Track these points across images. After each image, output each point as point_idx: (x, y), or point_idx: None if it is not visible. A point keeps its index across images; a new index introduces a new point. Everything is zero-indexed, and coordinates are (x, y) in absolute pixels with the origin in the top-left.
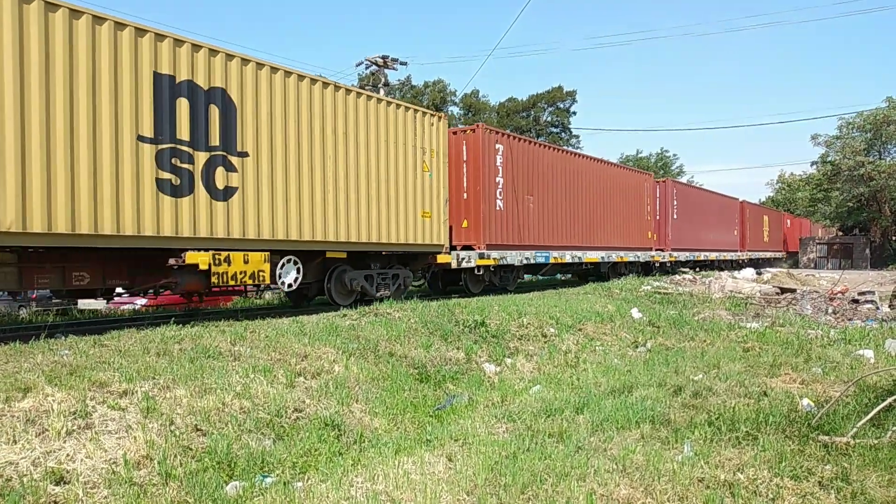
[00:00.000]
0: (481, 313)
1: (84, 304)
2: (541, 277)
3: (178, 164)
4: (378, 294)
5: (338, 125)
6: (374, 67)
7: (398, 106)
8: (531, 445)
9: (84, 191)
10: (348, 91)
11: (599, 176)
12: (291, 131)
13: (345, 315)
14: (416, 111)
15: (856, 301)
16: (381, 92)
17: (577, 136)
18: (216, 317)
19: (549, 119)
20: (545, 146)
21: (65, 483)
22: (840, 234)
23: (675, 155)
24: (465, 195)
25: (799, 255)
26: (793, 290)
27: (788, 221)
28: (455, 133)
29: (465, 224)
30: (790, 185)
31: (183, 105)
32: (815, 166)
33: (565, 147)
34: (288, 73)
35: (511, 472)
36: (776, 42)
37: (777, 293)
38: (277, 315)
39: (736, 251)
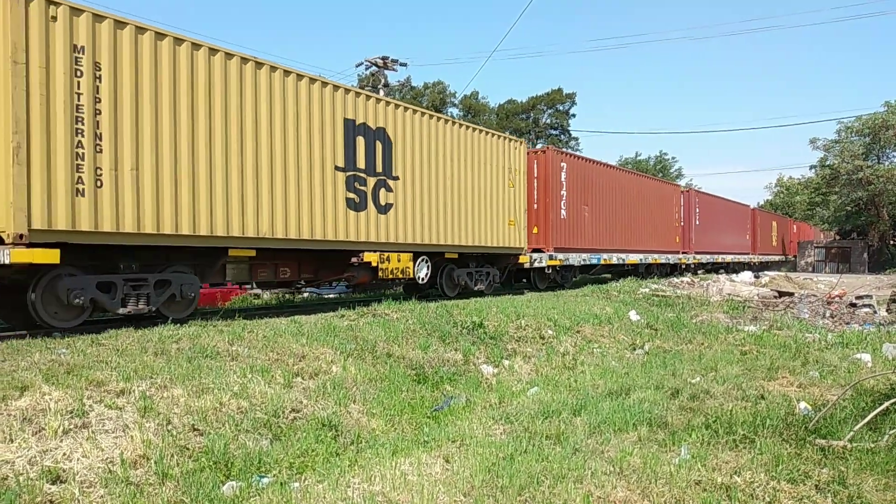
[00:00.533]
0: (479, 315)
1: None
2: (587, 276)
3: (358, 186)
4: (476, 287)
5: (453, 152)
6: (374, 68)
7: (492, 134)
8: (528, 447)
9: (304, 208)
10: (460, 125)
11: (638, 188)
12: (425, 159)
13: (343, 315)
14: (505, 138)
15: (853, 305)
16: (381, 93)
17: (577, 139)
18: (214, 316)
19: (548, 121)
20: (596, 163)
21: (61, 482)
22: (838, 237)
23: (673, 158)
24: (535, 206)
25: (797, 259)
26: (790, 294)
27: (795, 227)
28: (528, 154)
29: (535, 230)
30: (789, 189)
31: (360, 142)
32: (813, 170)
33: (608, 162)
34: (423, 113)
35: (508, 474)
36: (775, 46)
37: (775, 297)
38: (275, 315)
39: (748, 254)
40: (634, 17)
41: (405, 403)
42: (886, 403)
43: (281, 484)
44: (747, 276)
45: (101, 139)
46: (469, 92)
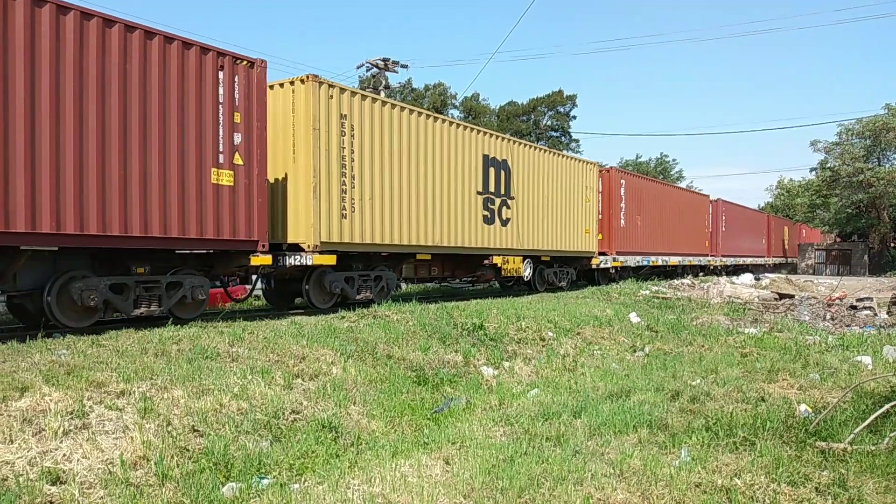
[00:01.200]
0: (480, 316)
1: None
2: (637, 275)
3: (489, 205)
4: (559, 284)
5: (547, 175)
6: (374, 70)
7: (573, 158)
8: (528, 449)
9: (458, 223)
10: (551, 152)
11: (676, 199)
12: (529, 182)
13: (343, 317)
14: (583, 162)
15: (854, 307)
16: (382, 94)
17: (577, 140)
18: (214, 318)
19: (549, 123)
20: (646, 178)
21: (61, 483)
22: (839, 240)
23: (674, 160)
24: (599, 216)
25: (798, 261)
26: (791, 296)
27: (804, 231)
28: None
29: (599, 237)
30: (789, 191)
31: (491, 171)
32: (814, 172)
33: (655, 177)
34: (528, 145)
35: (508, 476)
36: (776, 48)
37: (775, 299)
38: (275, 317)
39: (763, 256)
40: (635, 20)
41: (405, 405)
42: (887, 406)
43: (281, 485)
44: (748, 278)
45: (354, 179)
46: (470, 94)
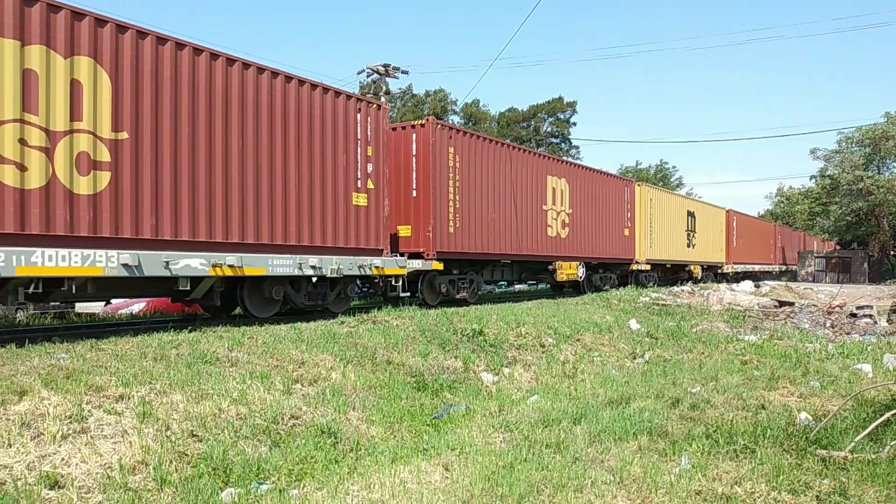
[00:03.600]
0: (479, 322)
1: (82, 307)
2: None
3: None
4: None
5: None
6: (375, 76)
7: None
8: (528, 456)
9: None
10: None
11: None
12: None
13: (343, 322)
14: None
15: (854, 315)
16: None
17: (577, 147)
18: (214, 322)
19: (549, 129)
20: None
21: (59, 487)
22: (838, 248)
23: (674, 167)
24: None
25: (797, 269)
26: (791, 304)
27: (815, 242)
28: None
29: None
30: (789, 199)
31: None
32: (813, 180)
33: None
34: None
35: (508, 483)
36: (776, 56)
37: (775, 306)
38: (275, 322)
39: (771, 263)
40: (635, 27)
41: (405, 411)
42: (887, 414)
43: (280, 491)
44: (747, 285)
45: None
46: (470, 100)
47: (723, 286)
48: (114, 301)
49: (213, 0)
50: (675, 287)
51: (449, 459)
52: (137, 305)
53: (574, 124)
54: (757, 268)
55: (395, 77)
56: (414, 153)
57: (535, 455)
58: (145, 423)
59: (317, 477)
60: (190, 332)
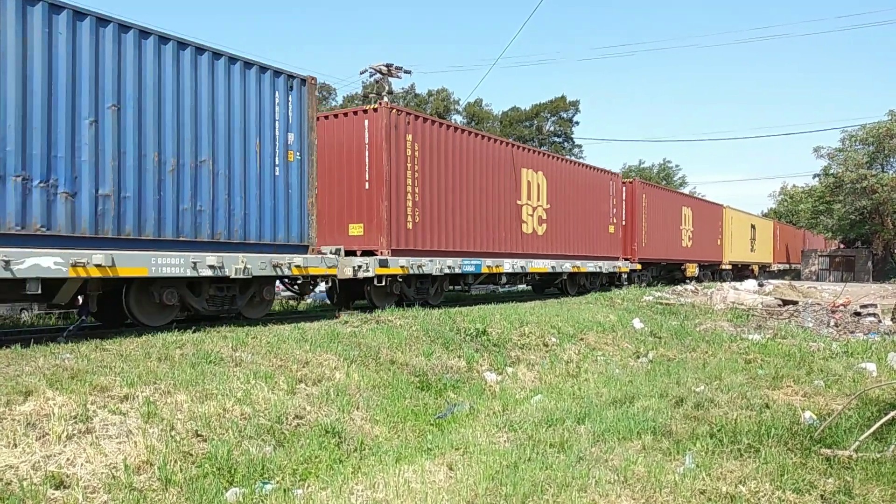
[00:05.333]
0: (483, 322)
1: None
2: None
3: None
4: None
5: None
6: (377, 76)
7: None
8: (532, 455)
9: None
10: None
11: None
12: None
13: (346, 322)
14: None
15: (858, 314)
16: (385, 100)
17: (580, 146)
18: (218, 322)
19: (551, 129)
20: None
21: (65, 487)
22: (842, 246)
23: (677, 166)
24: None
25: (801, 268)
26: (795, 303)
27: (824, 241)
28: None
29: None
30: (793, 197)
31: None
32: (817, 178)
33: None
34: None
35: (512, 482)
36: (780, 54)
37: (779, 305)
38: (279, 321)
39: (770, 262)
40: (638, 26)
41: (408, 410)
42: (892, 413)
43: (284, 490)
44: (751, 284)
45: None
46: (473, 99)
47: (726, 285)
48: None
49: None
50: (677, 286)
51: (453, 459)
52: None
53: (577, 123)
54: (755, 266)
55: (397, 77)
56: (367, 141)
57: (538, 454)
58: (150, 423)
59: (321, 476)
60: (194, 332)
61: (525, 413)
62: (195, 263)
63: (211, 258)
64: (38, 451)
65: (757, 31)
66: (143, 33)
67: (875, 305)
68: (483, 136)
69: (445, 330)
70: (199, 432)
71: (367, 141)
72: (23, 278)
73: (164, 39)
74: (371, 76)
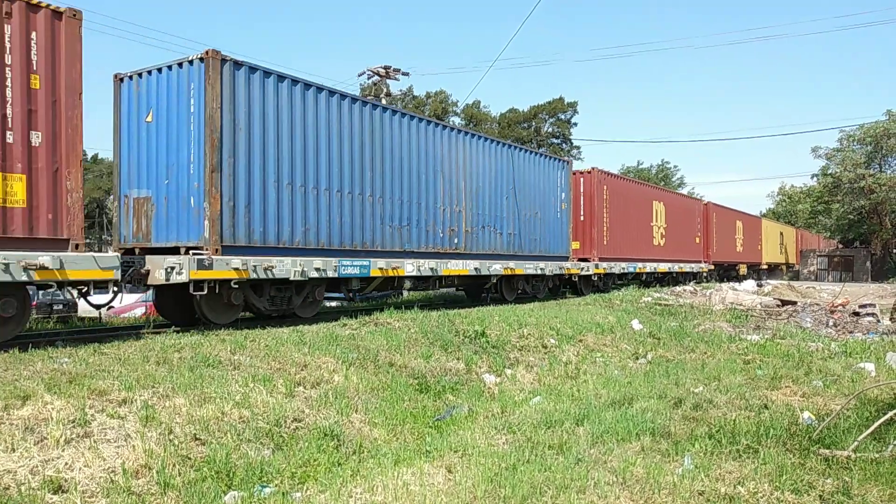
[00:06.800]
0: (482, 324)
1: (84, 311)
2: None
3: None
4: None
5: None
6: (375, 78)
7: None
8: (531, 457)
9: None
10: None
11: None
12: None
13: (345, 324)
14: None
15: (856, 314)
16: (384, 101)
17: (578, 147)
18: (216, 325)
19: (550, 130)
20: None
21: (63, 492)
22: (841, 246)
23: (675, 166)
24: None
25: (800, 268)
26: (793, 303)
27: (795, 233)
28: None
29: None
30: (791, 198)
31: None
32: (815, 179)
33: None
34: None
35: (511, 484)
36: (778, 55)
37: (778, 305)
38: (277, 325)
39: (795, 262)
40: (636, 27)
41: (407, 413)
42: (890, 413)
43: (283, 494)
44: (750, 284)
45: None
46: (471, 101)
47: (725, 286)
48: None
49: (214, 2)
50: (677, 287)
51: (452, 461)
52: (140, 310)
53: (575, 125)
54: (764, 265)
55: (395, 79)
56: (581, 191)
57: (537, 456)
58: (148, 427)
59: (320, 480)
60: (192, 335)
61: (524, 415)
62: (536, 266)
63: (539, 264)
64: (36, 456)
65: (754, 31)
66: (527, 151)
67: (874, 305)
68: (640, 183)
69: (444, 332)
70: (197, 436)
71: (581, 191)
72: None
73: (529, 151)
74: (369, 78)
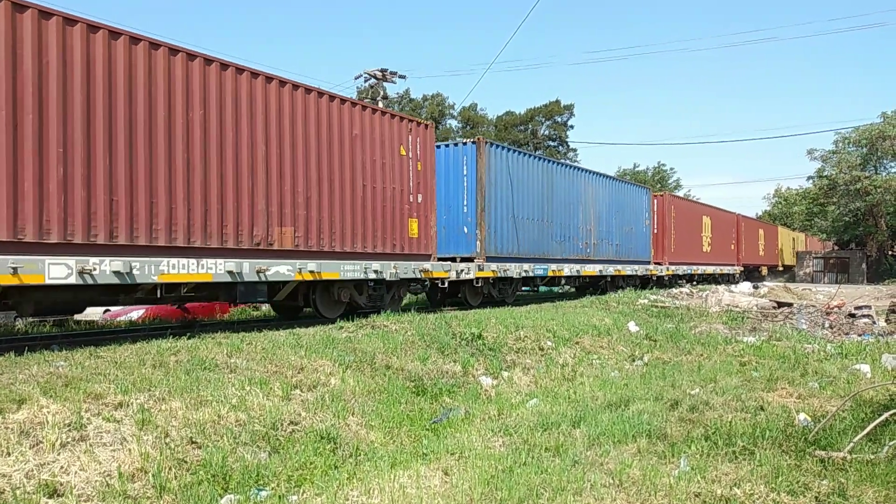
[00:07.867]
0: (478, 326)
1: (81, 314)
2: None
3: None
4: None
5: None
6: (372, 80)
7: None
8: (528, 459)
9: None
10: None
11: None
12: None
13: (341, 327)
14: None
15: (852, 315)
16: (381, 104)
17: (575, 150)
18: (213, 328)
19: (546, 133)
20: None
21: (58, 496)
22: (836, 248)
23: (672, 169)
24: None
25: (796, 269)
26: (789, 305)
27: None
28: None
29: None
30: (787, 200)
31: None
32: (811, 181)
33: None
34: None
35: (507, 487)
36: (773, 57)
37: (774, 307)
38: (274, 327)
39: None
40: (632, 30)
41: (404, 416)
42: (886, 414)
43: (279, 497)
44: (746, 286)
45: None
46: (468, 104)
47: (721, 287)
48: (112, 308)
49: (210, 4)
50: (673, 289)
51: (448, 464)
52: (136, 313)
53: (571, 127)
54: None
55: (392, 82)
56: (655, 209)
57: (534, 458)
58: (144, 431)
59: (316, 483)
60: (189, 338)
61: (520, 417)
62: (632, 268)
63: (633, 266)
64: (31, 460)
65: (749, 34)
66: (624, 182)
67: (869, 307)
68: (693, 202)
69: (441, 334)
70: (193, 439)
71: (654, 209)
72: None
73: (626, 182)
74: (366, 81)
